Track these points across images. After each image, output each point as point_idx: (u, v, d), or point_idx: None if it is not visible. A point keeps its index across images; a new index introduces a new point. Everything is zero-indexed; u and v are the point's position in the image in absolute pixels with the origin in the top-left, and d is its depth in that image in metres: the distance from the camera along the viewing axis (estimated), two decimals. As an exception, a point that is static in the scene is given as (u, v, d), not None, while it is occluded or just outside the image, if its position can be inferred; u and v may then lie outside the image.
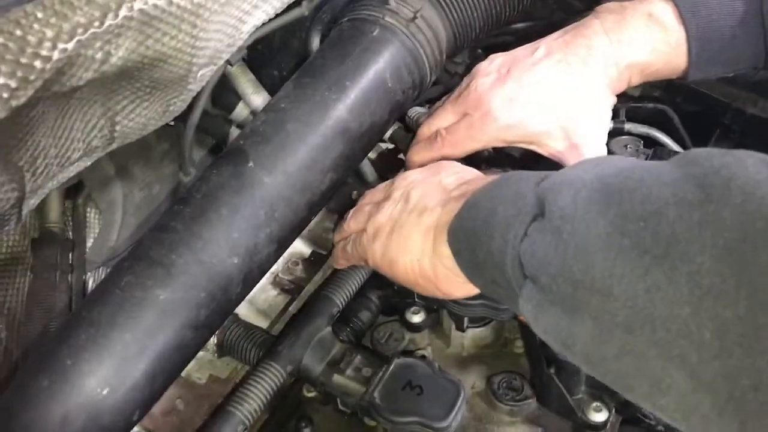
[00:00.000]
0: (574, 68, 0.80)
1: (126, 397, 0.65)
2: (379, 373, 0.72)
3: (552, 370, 0.74)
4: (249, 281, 0.75)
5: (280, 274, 0.97)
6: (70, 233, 1.11)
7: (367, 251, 0.76)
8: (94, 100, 0.68)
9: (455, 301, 0.76)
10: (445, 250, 0.66)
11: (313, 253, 1.00)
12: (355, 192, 0.99)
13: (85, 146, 0.71)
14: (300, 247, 1.01)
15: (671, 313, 0.43)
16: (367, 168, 1.05)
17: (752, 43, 0.78)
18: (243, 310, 0.90)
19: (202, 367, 0.87)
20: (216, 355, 0.84)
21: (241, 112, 1.09)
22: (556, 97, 0.80)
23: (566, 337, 0.50)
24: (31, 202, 0.71)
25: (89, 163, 0.76)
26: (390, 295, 0.84)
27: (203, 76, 0.74)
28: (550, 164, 0.85)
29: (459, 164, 0.79)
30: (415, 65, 0.87)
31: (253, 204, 0.75)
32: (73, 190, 1.12)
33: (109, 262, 1.12)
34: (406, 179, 0.78)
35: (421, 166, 0.83)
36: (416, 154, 0.90)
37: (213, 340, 0.83)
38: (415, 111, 1.00)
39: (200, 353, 0.87)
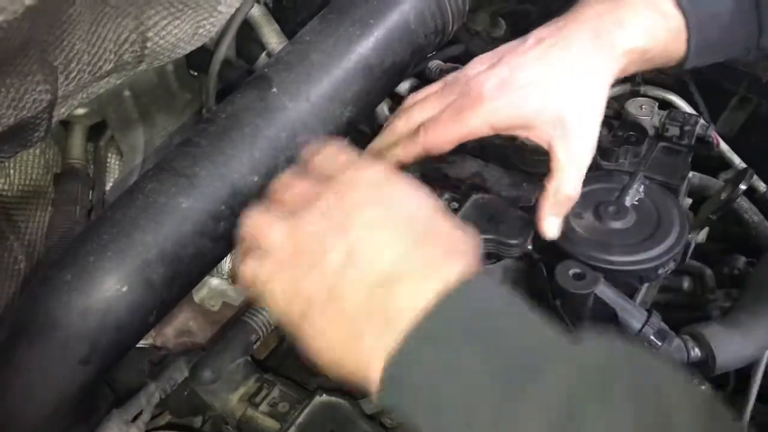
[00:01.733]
0: (568, 52, 0.74)
1: (144, 297, 0.68)
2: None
3: (558, 302, 0.75)
4: (267, 201, 0.77)
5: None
6: (91, 174, 1.14)
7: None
8: (128, 12, 0.70)
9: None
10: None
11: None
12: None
13: (116, 59, 0.73)
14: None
15: None
16: (382, 114, 1.07)
17: (747, 25, 0.76)
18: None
19: (215, 295, 0.89)
20: (229, 282, 0.86)
21: (263, 62, 1.11)
22: (552, 79, 0.73)
23: None
24: (62, 111, 0.74)
25: (118, 82, 0.78)
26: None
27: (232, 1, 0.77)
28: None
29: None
30: (438, 11, 0.89)
31: (275, 126, 0.77)
32: (96, 132, 1.15)
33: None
34: (352, 184, 0.58)
35: (396, 164, 0.76)
36: (389, 149, 0.77)
37: (227, 266, 0.85)
38: (435, 63, 1.02)
39: (214, 282, 0.89)
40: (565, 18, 0.76)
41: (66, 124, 1.09)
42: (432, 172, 0.86)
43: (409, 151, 0.76)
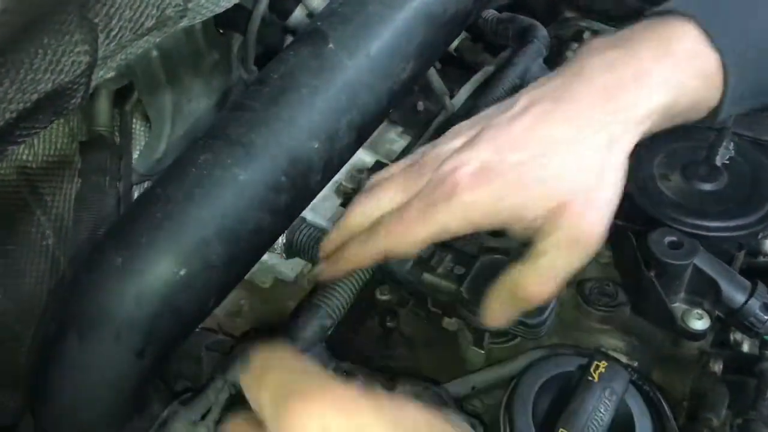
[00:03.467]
0: (571, 122, 0.56)
1: (203, 280, 0.61)
2: (470, 270, 0.67)
3: (652, 273, 0.69)
4: (329, 169, 0.70)
5: (343, 183, 0.92)
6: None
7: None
8: (172, -40, 0.62)
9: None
10: None
11: (376, 162, 0.95)
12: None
13: (158, 14, 0.65)
14: (363, 156, 0.95)
15: None
16: (434, 77, 0.99)
17: None
18: (308, 216, 0.85)
19: (266, 270, 0.83)
20: (284, 255, 0.79)
21: (297, 16, 1.03)
22: (547, 160, 0.56)
23: None
24: (100, 73, 0.66)
25: (159, 39, 0.70)
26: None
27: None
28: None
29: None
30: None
31: (335, 87, 0.69)
32: (121, 97, 1.07)
33: (156, 176, 1.07)
34: None
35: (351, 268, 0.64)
36: (343, 249, 0.63)
37: (282, 239, 0.78)
38: (491, 13, 0.94)
39: (264, 256, 0.83)
40: (565, 71, 0.59)
41: (90, 88, 1.01)
42: None
43: (365, 253, 0.61)
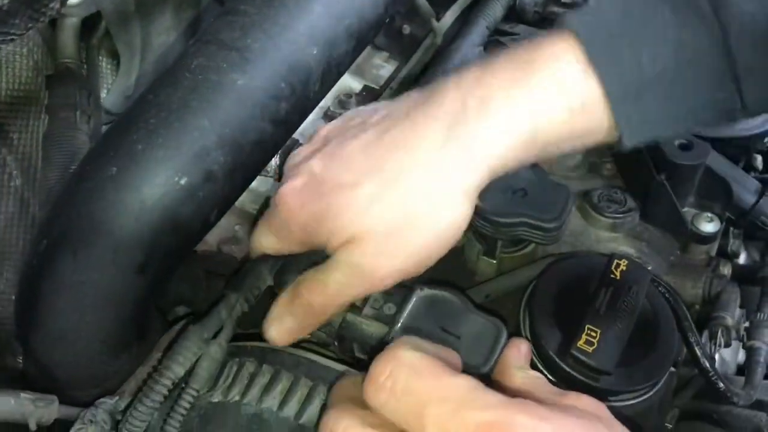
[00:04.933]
0: (410, 144, 0.52)
1: (205, 190, 0.57)
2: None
3: (663, 176, 0.67)
4: (327, 78, 0.66)
5: (331, 108, 0.89)
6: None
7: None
8: None
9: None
10: None
11: (364, 87, 0.92)
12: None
13: None
14: (349, 81, 0.92)
15: None
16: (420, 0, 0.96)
17: (714, 85, 0.50)
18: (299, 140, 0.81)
19: (257, 197, 0.79)
20: (277, 178, 0.76)
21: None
22: (362, 185, 0.52)
23: None
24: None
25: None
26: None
27: None
28: None
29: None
30: None
31: (331, -10, 0.66)
32: (88, 30, 1.01)
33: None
34: None
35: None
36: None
37: (275, 161, 0.75)
38: None
39: (254, 182, 0.79)
40: (431, 89, 0.55)
41: (54, 20, 0.95)
42: None
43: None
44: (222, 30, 0.62)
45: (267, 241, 0.59)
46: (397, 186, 0.52)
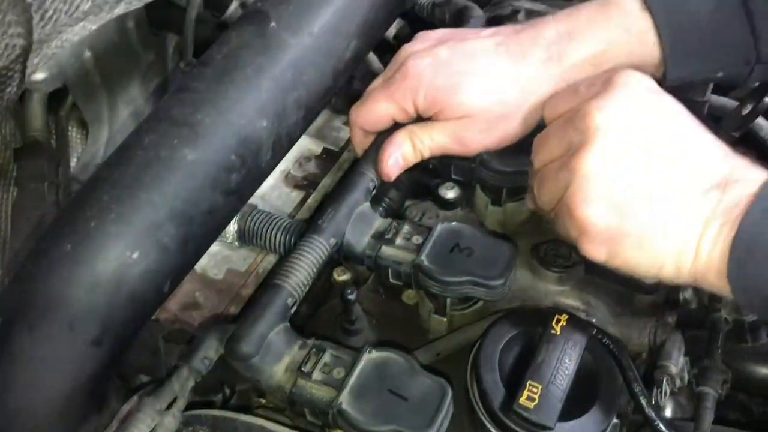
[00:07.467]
0: (512, 57, 0.70)
1: (157, 263, 0.59)
2: (428, 239, 0.67)
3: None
4: (278, 148, 0.69)
5: (291, 171, 0.91)
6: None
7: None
8: (105, -61, 0.61)
9: (488, 167, 0.73)
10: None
11: (324, 150, 0.95)
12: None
13: (93, -4, 0.64)
14: (309, 144, 0.95)
15: None
16: (375, 63, 1.00)
17: (735, 30, 0.67)
18: (258, 204, 0.83)
19: (218, 263, 0.81)
20: (236, 243, 0.78)
21: (235, 12, 1.02)
22: (490, 77, 0.70)
23: None
24: (35, 61, 0.64)
25: (95, 27, 0.69)
26: (420, 174, 0.79)
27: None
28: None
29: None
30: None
31: (280, 65, 0.69)
32: (56, 102, 1.04)
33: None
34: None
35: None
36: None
37: (233, 227, 0.77)
38: None
39: (214, 248, 0.81)
40: (526, 25, 0.73)
41: (23, 93, 0.98)
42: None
43: (353, 136, 0.78)
44: (173, 107, 0.65)
45: (387, 107, 0.72)
46: (505, 83, 0.69)
